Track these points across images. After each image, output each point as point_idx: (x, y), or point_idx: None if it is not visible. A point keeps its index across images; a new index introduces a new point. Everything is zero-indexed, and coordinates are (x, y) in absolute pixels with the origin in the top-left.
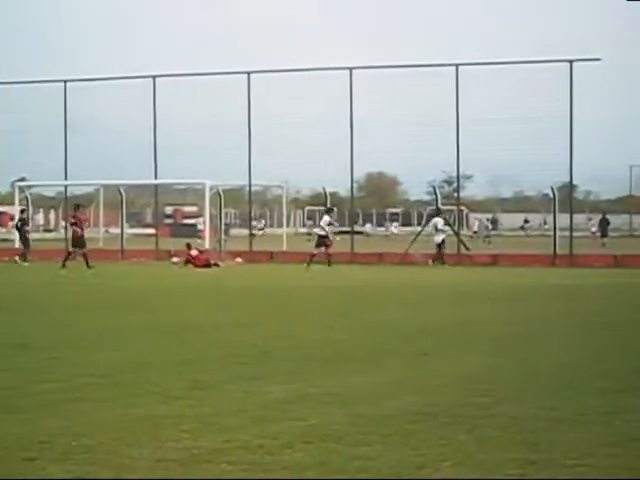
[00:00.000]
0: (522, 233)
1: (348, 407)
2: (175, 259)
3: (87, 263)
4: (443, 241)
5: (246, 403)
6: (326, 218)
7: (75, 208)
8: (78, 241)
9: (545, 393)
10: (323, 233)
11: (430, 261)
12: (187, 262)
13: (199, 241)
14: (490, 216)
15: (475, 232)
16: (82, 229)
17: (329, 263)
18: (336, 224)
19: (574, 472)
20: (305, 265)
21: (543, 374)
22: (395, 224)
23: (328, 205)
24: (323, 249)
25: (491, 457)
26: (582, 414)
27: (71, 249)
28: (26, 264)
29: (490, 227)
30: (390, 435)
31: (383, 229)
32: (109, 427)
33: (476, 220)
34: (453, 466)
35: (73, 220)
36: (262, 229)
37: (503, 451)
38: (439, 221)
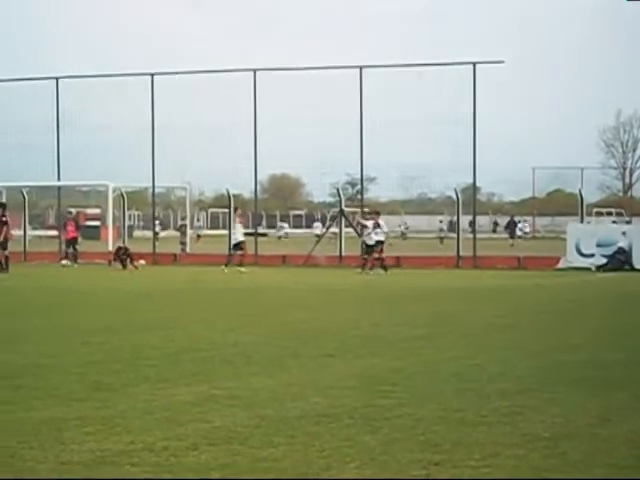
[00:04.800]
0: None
1: (252, 409)
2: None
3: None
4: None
5: (151, 405)
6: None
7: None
8: None
9: (447, 395)
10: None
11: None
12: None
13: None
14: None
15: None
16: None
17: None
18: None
19: (479, 472)
20: None
21: (445, 376)
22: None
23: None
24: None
25: (396, 458)
26: (484, 415)
27: None
28: None
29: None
30: (295, 437)
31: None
32: (11, 430)
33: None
34: (358, 467)
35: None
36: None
37: (407, 452)
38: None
